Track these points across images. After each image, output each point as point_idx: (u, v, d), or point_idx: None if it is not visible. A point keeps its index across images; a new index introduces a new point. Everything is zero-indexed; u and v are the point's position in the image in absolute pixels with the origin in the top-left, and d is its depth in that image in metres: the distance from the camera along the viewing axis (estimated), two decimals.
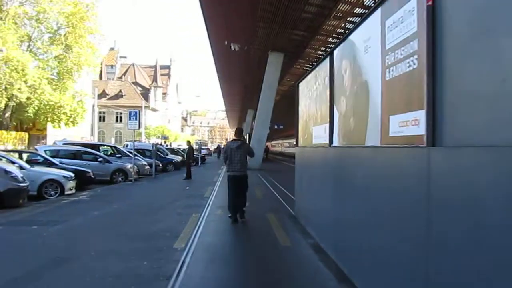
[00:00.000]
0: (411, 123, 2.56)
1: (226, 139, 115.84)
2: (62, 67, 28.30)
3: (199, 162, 25.49)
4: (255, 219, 6.98)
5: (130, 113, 13.69)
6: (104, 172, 13.51)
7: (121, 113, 53.52)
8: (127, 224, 6.42)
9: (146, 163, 16.36)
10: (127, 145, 23.30)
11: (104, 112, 55.24)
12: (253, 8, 15.91)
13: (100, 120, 54.12)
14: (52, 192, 9.81)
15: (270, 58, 20.73)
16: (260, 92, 21.70)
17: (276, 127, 33.26)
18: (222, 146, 55.96)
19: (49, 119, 28.22)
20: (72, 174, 10.46)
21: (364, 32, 3.52)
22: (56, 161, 12.01)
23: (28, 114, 26.66)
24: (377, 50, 3.16)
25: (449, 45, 2.16)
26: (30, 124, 31.06)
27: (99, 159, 13.67)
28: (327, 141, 4.82)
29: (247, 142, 7.47)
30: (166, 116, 70.47)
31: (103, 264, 4.15)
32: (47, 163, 11.52)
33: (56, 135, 29.19)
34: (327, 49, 20.03)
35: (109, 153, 16.15)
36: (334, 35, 18.13)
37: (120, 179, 13.84)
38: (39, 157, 11.96)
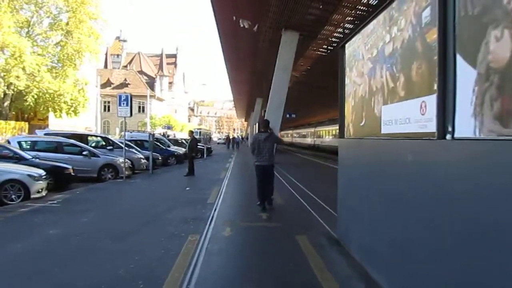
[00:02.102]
0: None
1: (234, 129, 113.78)
2: (62, 54, 26.70)
3: (205, 154, 23.21)
4: (282, 245, 4.74)
5: (119, 97, 11.16)
6: (90, 168, 11.31)
7: None
8: (85, 258, 4.13)
9: (142, 157, 14.09)
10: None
11: (109, 102, 53.57)
12: None
13: (105, 109, 52.36)
14: (14, 196, 7.68)
15: (284, 37, 18.30)
16: (271, 78, 19.30)
17: (288, 116, 30.80)
18: (231, 137, 54.09)
19: (49, 108, 26.70)
20: (42, 172, 8.29)
21: None
22: (30, 155, 9.87)
23: (28, 103, 25.08)
24: None
25: None
26: (31, 113, 29.63)
27: (84, 152, 11.48)
28: (432, 129, 2.54)
29: (274, 133, 5.79)
30: (173, 106, 68.60)
31: None
32: (15, 157, 9.38)
33: (59, 125, 27.55)
34: (345, 27, 17.53)
35: (100, 144, 13.98)
36: (359, 7, 15.59)
37: (109, 175, 11.60)
38: (8, 151, 9.82)
